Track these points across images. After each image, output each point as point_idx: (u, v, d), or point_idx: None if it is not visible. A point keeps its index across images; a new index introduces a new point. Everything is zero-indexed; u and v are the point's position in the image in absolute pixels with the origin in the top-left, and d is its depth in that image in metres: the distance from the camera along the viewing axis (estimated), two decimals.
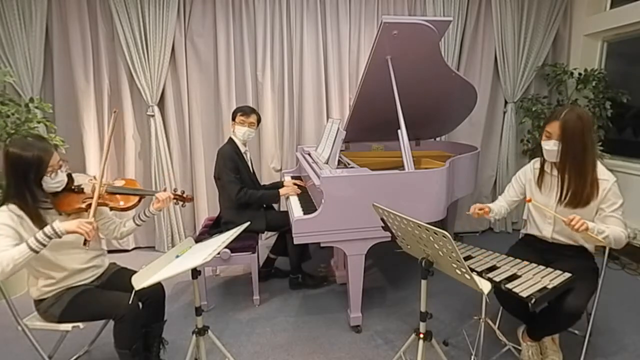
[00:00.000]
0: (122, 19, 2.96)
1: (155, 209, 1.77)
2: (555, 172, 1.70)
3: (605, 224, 1.61)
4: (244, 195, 2.37)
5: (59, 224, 1.35)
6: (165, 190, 1.82)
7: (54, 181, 1.49)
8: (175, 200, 1.84)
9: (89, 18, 3.02)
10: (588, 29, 3.35)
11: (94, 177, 1.68)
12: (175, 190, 1.86)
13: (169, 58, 3.11)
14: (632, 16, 2.91)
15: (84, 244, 1.41)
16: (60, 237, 1.35)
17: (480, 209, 1.74)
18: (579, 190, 1.61)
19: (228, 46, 3.21)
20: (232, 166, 2.41)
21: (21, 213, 1.42)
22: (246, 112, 2.53)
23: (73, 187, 1.58)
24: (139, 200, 1.75)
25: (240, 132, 2.51)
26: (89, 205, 1.54)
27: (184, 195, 1.87)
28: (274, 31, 3.26)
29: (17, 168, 1.41)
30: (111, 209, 1.72)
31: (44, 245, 1.32)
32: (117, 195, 1.71)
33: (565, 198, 1.65)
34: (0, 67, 2.77)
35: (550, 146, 1.63)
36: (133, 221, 1.79)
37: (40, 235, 1.31)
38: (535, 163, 1.82)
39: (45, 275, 1.55)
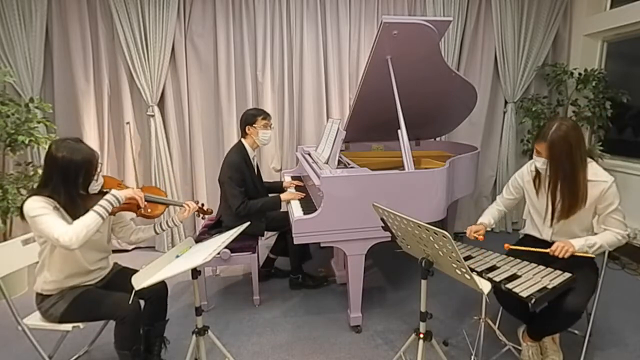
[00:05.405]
0: (122, 19, 2.96)
1: (180, 219, 1.82)
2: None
3: (604, 225, 1.64)
4: (244, 209, 2.32)
5: (117, 192, 1.47)
6: (197, 202, 1.90)
7: (97, 183, 1.54)
8: (197, 212, 1.92)
9: (89, 18, 3.02)
10: (588, 29, 3.35)
11: (122, 182, 1.74)
12: (197, 202, 1.92)
13: (169, 58, 3.11)
14: (632, 16, 2.91)
15: (137, 210, 1.56)
16: (120, 203, 1.47)
17: (476, 231, 1.80)
18: (573, 207, 1.63)
19: (228, 46, 3.21)
20: (238, 178, 2.33)
21: (56, 204, 1.43)
22: (266, 113, 2.45)
23: (105, 191, 1.56)
24: (164, 210, 1.81)
25: (265, 137, 2.43)
26: (122, 208, 1.58)
27: (205, 209, 1.97)
28: (274, 31, 3.26)
29: (68, 172, 1.42)
30: (138, 214, 1.71)
31: (108, 212, 1.42)
32: (148, 202, 1.71)
33: (556, 213, 1.68)
34: (0, 67, 2.76)
35: (541, 164, 1.67)
36: (154, 229, 1.81)
37: (104, 202, 1.41)
38: (532, 165, 1.81)
39: (56, 267, 1.53)
